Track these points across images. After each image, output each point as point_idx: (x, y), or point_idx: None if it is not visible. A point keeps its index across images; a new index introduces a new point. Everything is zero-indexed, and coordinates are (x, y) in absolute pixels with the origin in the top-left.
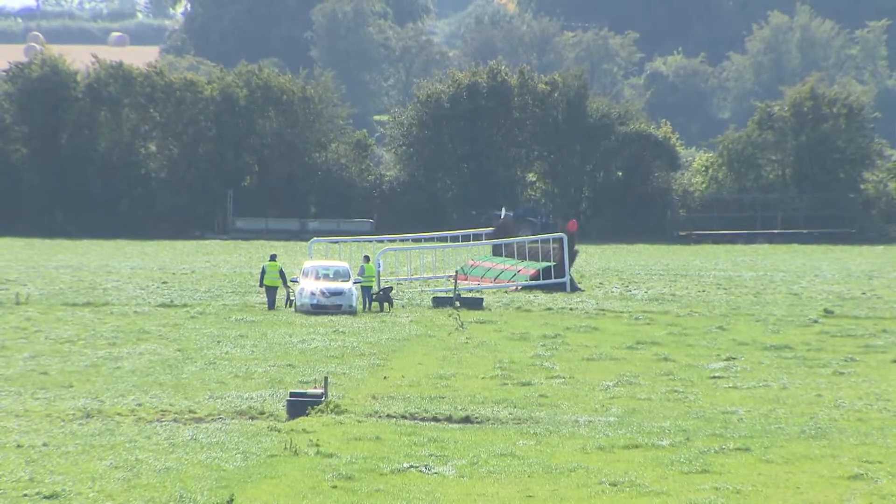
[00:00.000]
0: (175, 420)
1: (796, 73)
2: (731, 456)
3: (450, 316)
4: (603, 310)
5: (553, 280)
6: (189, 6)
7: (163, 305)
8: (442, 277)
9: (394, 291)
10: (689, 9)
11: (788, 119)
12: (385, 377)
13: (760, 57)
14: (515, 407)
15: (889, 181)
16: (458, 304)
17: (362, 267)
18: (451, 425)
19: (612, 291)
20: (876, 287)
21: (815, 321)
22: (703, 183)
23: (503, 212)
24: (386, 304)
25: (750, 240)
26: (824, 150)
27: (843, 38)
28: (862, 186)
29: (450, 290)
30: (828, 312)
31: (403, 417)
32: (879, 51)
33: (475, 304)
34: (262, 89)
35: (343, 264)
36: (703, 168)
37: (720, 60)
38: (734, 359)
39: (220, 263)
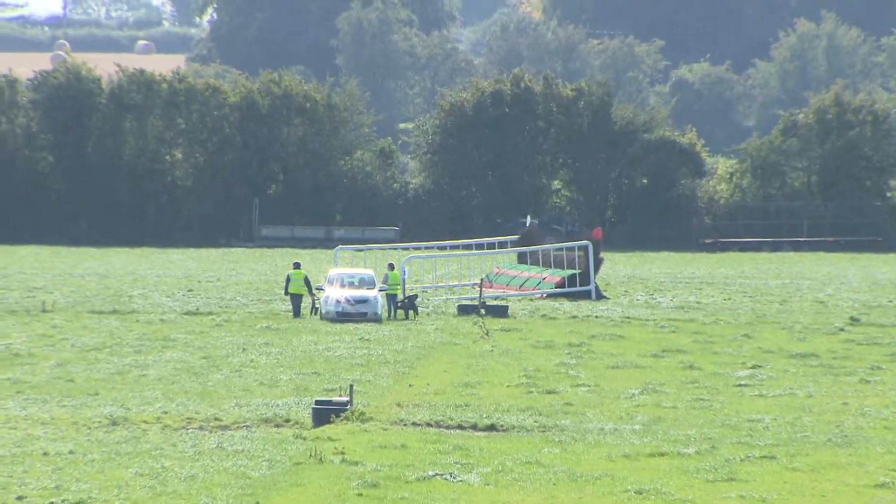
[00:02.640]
0: (201, 428)
1: (822, 80)
2: (757, 464)
3: (475, 324)
4: (628, 318)
5: (578, 288)
6: (215, 14)
7: (188, 313)
8: (467, 285)
9: (419, 299)
10: (714, 16)
11: (813, 126)
12: (410, 385)
13: (786, 64)
14: (541, 415)
15: None
16: (483, 311)
17: (386, 275)
18: (476, 433)
19: (638, 299)
20: None
21: (842, 329)
22: (728, 190)
23: (528, 219)
24: (411, 312)
25: (775, 248)
26: (850, 158)
27: (870, 45)
28: (888, 194)
29: (475, 298)
30: (854, 320)
31: (428, 425)
32: None
33: (500, 311)
34: (282, 97)
35: (368, 272)
36: (728, 175)
37: (746, 68)
38: (760, 367)
39: (246, 271)
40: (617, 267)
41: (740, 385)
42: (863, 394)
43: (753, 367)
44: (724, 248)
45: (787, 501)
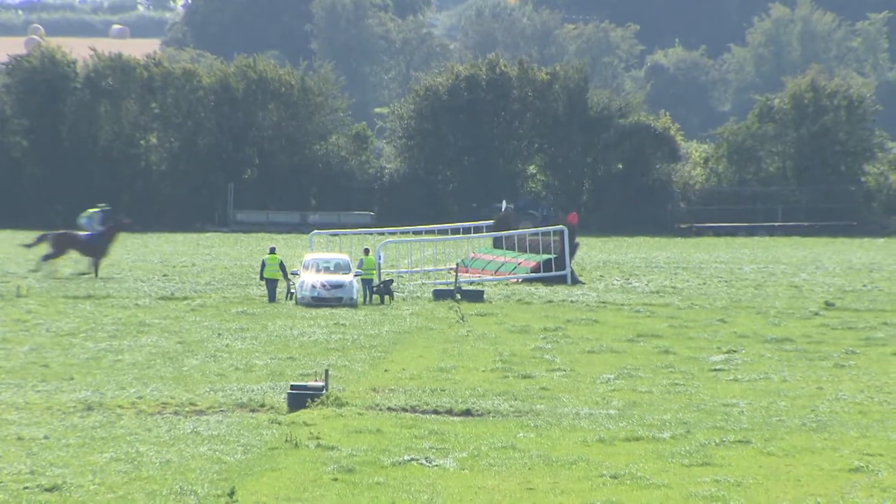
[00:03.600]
0: (176, 413)
1: (797, 65)
2: (732, 448)
3: (450, 308)
4: (604, 302)
5: (554, 273)
6: None
7: (163, 298)
8: (443, 270)
9: (394, 284)
10: (689, 1)
11: (789, 111)
12: (386, 370)
13: (761, 49)
14: (516, 399)
15: (890, 174)
16: (458, 296)
17: (361, 259)
18: (451, 418)
19: (613, 284)
20: (877, 279)
21: (816, 314)
22: (703, 175)
23: (504, 204)
24: (386, 297)
25: (751, 232)
26: (825, 143)
27: (845, 30)
28: (863, 179)
29: (450, 283)
30: (829, 305)
31: (404, 410)
32: (880, 43)
33: (476, 296)
34: (258, 82)
35: (344, 257)
36: (703, 160)
37: (721, 53)
38: (735, 351)
39: (221, 256)
40: (592, 252)
41: (715, 370)
42: (837, 378)
43: (728, 351)
44: (699, 232)
45: (761, 486)
